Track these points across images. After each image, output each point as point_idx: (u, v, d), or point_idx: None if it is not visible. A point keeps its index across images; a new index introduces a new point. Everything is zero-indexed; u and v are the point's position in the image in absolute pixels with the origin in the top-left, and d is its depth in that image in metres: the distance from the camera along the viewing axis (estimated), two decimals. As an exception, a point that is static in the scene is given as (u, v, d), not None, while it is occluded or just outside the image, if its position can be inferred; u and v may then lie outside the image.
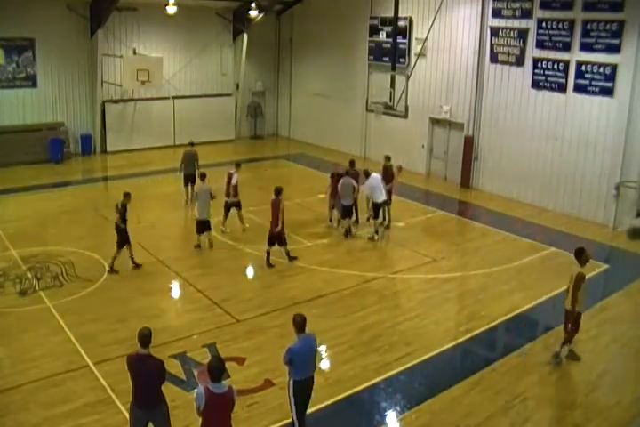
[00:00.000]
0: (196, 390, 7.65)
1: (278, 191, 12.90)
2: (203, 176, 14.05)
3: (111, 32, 22.41)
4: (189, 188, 16.77)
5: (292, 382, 7.14)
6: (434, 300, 11.71)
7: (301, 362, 7.05)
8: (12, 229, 14.76)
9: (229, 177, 14.92)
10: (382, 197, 14.73)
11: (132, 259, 12.68)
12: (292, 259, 13.24)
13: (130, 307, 10.95)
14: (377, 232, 14.94)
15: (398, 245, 14.61)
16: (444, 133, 20.75)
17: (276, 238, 12.96)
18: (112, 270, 12.40)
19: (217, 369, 5.97)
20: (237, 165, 15.47)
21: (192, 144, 17.56)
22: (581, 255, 9.24)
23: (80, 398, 8.23)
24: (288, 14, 26.49)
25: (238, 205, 15.03)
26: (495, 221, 16.44)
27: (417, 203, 18.29)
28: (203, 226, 13.73)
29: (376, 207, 14.86)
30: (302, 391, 7.16)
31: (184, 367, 9.01)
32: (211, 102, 25.46)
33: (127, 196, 12.58)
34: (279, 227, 12.80)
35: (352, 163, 15.64)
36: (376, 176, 14.80)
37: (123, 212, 12.46)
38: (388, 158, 15.84)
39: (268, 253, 13.02)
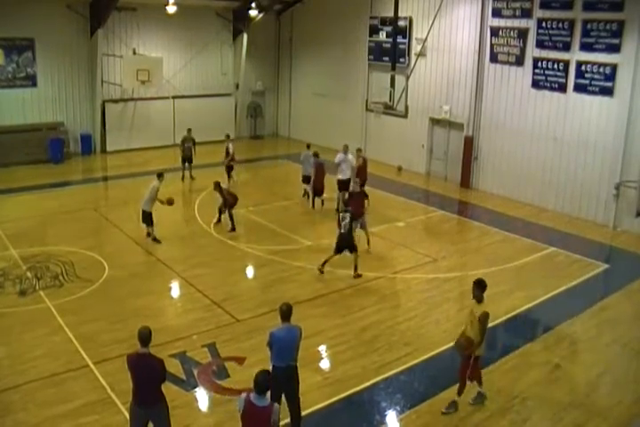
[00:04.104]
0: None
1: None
2: (159, 175, 14.47)
3: (111, 32, 22.42)
4: (185, 166, 19.77)
5: (271, 366, 7.26)
6: (434, 300, 11.71)
7: (280, 349, 7.19)
8: (12, 229, 14.76)
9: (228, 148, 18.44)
10: (340, 176, 16.25)
11: (324, 263, 12.65)
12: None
13: (130, 307, 10.95)
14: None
15: (398, 245, 14.61)
16: (444, 133, 20.74)
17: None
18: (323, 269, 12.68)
19: (262, 383, 5.98)
20: (228, 136, 19.18)
21: (188, 130, 19.83)
22: (484, 288, 7.91)
23: (80, 398, 8.24)
24: (288, 14, 26.47)
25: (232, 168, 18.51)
26: (495, 221, 16.44)
27: (417, 203, 18.29)
28: (144, 217, 14.18)
29: (339, 183, 16.31)
30: (279, 378, 7.21)
31: (184, 367, 9.02)
32: (211, 102, 25.44)
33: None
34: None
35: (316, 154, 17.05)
36: (344, 156, 16.33)
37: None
38: (359, 150, 17.33)
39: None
